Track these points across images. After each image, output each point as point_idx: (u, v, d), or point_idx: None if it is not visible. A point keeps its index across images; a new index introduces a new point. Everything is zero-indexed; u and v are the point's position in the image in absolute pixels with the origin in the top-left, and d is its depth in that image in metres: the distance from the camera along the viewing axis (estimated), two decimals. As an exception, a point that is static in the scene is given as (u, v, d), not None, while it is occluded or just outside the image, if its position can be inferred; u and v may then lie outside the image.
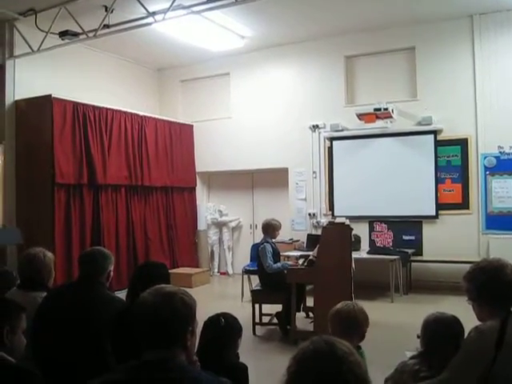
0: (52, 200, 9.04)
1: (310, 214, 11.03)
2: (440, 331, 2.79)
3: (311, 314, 7.22)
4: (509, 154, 9.36)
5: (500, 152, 9.42)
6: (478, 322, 2.58)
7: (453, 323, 2.84)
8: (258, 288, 7.30)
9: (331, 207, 10.82)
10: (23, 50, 9.06)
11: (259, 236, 7.81)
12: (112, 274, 3.73)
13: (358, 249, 9.34)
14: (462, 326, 2.84)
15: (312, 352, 1.61)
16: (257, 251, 7.35)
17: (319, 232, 8.09)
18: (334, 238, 6.37)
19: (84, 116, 9.61)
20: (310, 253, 7.31)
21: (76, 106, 9.48)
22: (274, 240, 7.40)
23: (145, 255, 10.86)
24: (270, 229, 7.30)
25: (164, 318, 1.98)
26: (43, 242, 7.65)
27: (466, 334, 2.61)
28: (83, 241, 9.39)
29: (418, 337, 2.90)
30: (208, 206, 12.53)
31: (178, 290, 2.09)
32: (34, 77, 9.53)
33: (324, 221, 10.10)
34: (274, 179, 11.79)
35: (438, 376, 2.53)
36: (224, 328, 3.18)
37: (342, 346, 1.62)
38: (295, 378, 1.60)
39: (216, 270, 12.32)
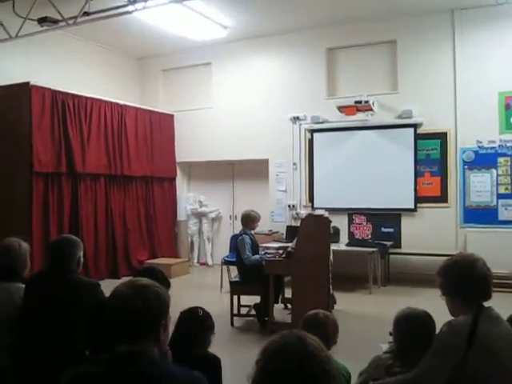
0: (30, 189, 8.95)
1: (289, 206, 11.04)
2: (411, 328, 2.77)
3: (289, 306, 7.24)
4: (487, 148, 9.44)
5: (478, 146, 9.50)
6: (451, 317, 2.60)
7: (424, 319, 2.82)
8: (237, 279, 7.30)
9: (311, 199, 10.84)
10: (0, 35, 8.89)
11: (239, 227, 7.79)
12: (82, 260, 3.72)
13: (337, 241, 9.38)
14: (433, 321, 2.82)
15: (282, 347, 1.60)
16: (235, 242, 7.35)
17: (298, 224, 8.09)
18: (312, 230, 6.38)
19: (63, 104, 9.51)
20: (289, 244, 7.33)
21: (55, 94, 9.36)
22: (252, 231, 7.41)
23: (124, 245, 10.83)
24: (249, 220, 7.30)
25: (137, 310, 1.96)
26: (20, 231, 7.57)
27: (438, 329, 2.62)
28: (61, 231, 9.29)
29: (391, 334, 2.88)
30: (188, 197, 12.49)
31: (153, 283, 2.08)
32: (12, 63, 9.39)
33: (304, 212, 10.08)
34: (254, 170, 11.79)
35: (411, 371, 2.54)
36: (200, 321, 3.18)
37: (312, 342, 1.61)
38: (263, 373, 1.59)
39: (196, 261, 12.30)
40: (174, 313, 2.32)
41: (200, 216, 12.31)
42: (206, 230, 12.28)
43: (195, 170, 12.91)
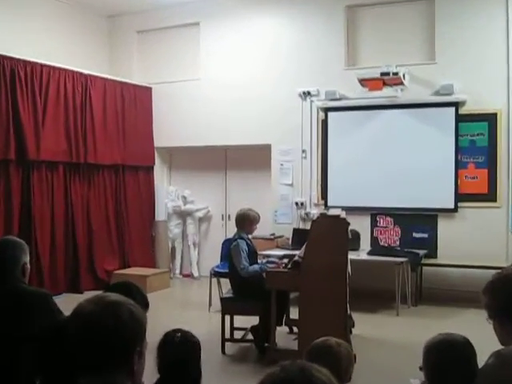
0: (-30, 179, 8.98)
1: (297, 204, 11.04)
2: (446, 359, 2.72)
3: (295, 329, 7.25)
4: (547, 133, 9.48)
5: (537, 131, 9.53)
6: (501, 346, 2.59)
7: (461, 347, 2.77)
8: (230, 295, 7.31)
9: (324, 195, 10.86)
10: None
11: (233, 229, 7.81)
12: (28, 267, 3.82)
13: (356, 248, 9.40)
14: (474, 350, 2.77)
15: (281, 381, 1.57)
16: (228, 249, 7.35)
17: (308, 226, 8.11)
18: (325, 235, 6.38)
19: (12, 73, 9.48)
20: (296, 252, 7.33)
21: (2, 60, 9.34)
22: (250, 235, 7.42)
23: (87, 252, 10.84)
24: (246, 222, 7.29)
25: (106, 333, 1.92)
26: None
27: (482, 362, 2.61)
28: (9, 231, 9.26)
29: (421, 369, 2.83)
30: (169, 191, 12.50)
31: (126, 301, 2.06)
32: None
33: (315, 212, 10.11)
34: (253, 159, 11.81)
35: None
36: (189, 348, 3.20)
37: (320, 376, 1.59)
38: None
39: (178, 272, 12.34)
40: (151, 338, 2.31)
41: (184, 215, 12.32)
42: (192, 233, 12.29)
43: (178, 158, 12.92)
